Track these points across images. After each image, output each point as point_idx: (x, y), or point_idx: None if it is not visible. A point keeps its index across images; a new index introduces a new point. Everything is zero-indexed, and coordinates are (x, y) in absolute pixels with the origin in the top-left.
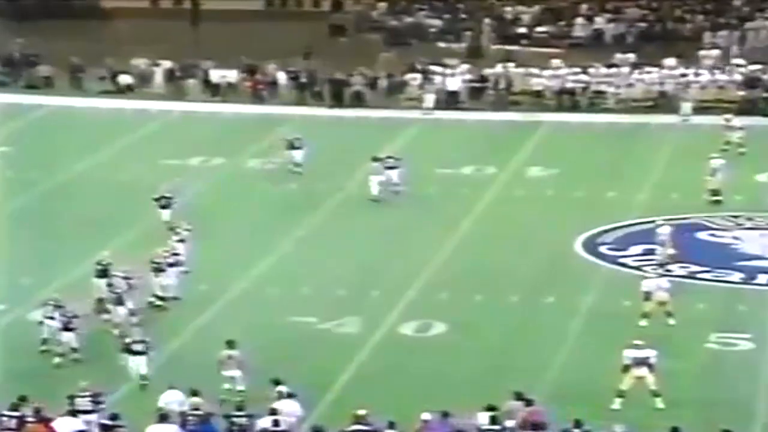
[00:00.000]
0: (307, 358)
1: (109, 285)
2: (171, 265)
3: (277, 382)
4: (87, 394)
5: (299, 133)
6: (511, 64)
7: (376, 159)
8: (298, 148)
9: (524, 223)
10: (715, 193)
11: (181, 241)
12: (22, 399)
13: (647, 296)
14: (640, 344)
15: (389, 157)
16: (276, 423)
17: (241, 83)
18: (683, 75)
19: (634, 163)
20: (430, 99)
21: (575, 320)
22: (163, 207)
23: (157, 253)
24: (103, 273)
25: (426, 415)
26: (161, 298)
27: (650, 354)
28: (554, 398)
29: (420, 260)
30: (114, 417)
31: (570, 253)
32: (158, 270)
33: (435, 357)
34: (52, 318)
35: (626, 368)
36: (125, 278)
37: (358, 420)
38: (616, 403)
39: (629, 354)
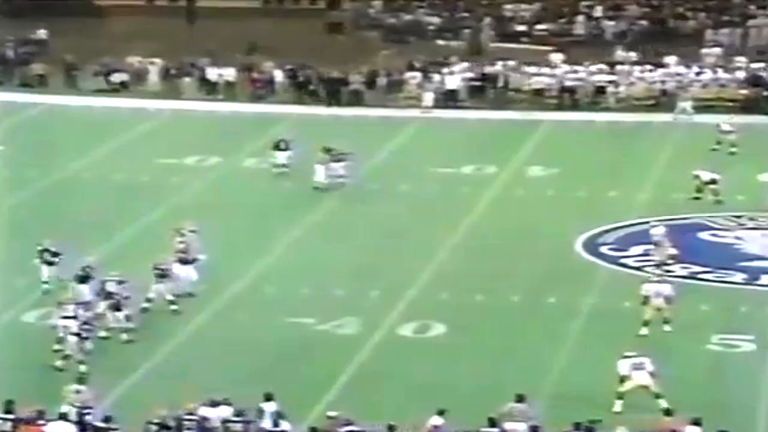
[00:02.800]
0: (305, 359)
1: (100, 291)
2: (187, 262)
3: (269, 398)
4: (78, 405)
5: (294, 132)
6: (511, 62)
7: (328, 150)
8: (284, 149)
9: (525, 222)
10: (700, 188)
11: (183, 242)
12: (10, 402)
13: (645, 300)
14: (632, 354)
15: (338, 152)
16: (276, 423)
17: (241, 80)
18: (678, 74)
19: (636, 162)
20: (428, 98)
21: (576, 321)
22: (47, 263)
23: (161, 260)
24: (85, 279)
25: (436, 420)
26: (173, 302)
27: (644, 361)
28: (555, 399)
29: (419, 260)
30: (107, 419)
31: (571, 253)
32: (162, 276)
33: (434, 358)
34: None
35: (623, 378)
36: (119, 282)
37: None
38: (617, 406)
39: (624, 363)
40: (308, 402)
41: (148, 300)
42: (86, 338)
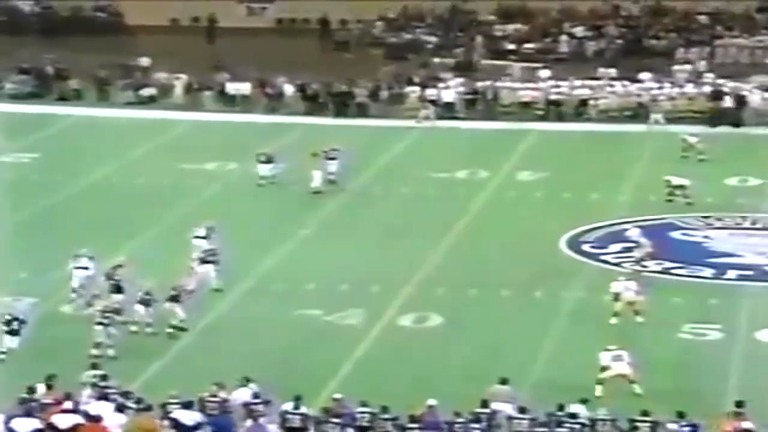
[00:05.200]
0: (313, 347)
1: (117, 288)
2: (210, 262)
3: (248, 380)
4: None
5: (304, 141)
6: (500, 81)
7: (314, 155)
8: (266, 162)
9: (515, 223)
10: (672, 193)
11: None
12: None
13: (616, 297)
14: (612, 347)
15: (332, 149)
16: (296, 406)
17: (256, 95)
18: (652, 88)
19: (615, 167)
20: (428, 113)
21: (561, 313)
22: (11, 333)
23: (180, 282)
24: (108, 276)
25: (432, 401)
26: (180, 329)
27: (623, 353)
28: (541, 384)
29: (418, 257)
30: (139, 401)
31: (556, 250)
32: (175, 299)
33: (431, 347)
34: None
35: (604, 368)
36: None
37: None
38: (598, 391)
39: (605, 355)
40: (317, 386)
41: (177, 327)
42: (109, 325)
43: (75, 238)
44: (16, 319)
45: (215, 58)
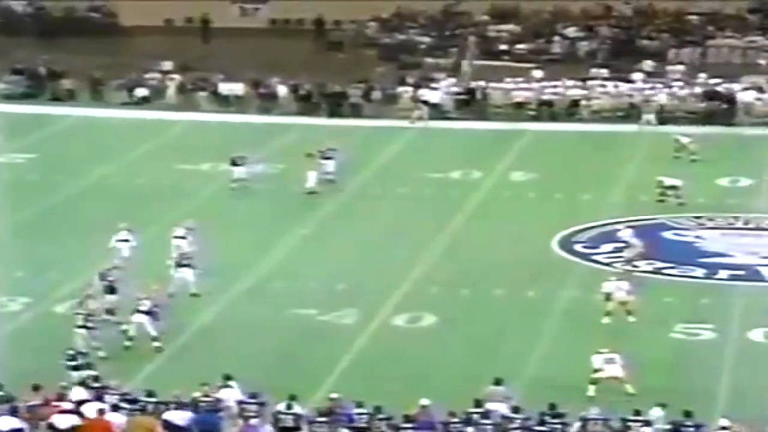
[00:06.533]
0: (308, 346)
1: (111, 289)
2: (186, 266)
3: (229, 378)
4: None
5: (299, 141)
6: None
7: (309, 155)
8: (240, 164)
9: (508, 223)
10: (663, 193)
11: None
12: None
13: (608, 296)
14: (604, 350)
15: (328, 149)
16: (289, 406)
17: (249, 95)
18: (652, 87)
19: (607, 168)
20: (421, 113)
21: (553, 312)
22: (74, 368)
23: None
24: (102, 277)
25: (424, 401)
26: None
27: (615, 356)
28: (534, 384)
29: (412, 257)
30: (150, 394)
31: (548, 250)
32: (148, 313)
33: (425, 346)
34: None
35: (596, 371)
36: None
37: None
38: (591, 390)
39: (597, 358)
40: (311, 385)
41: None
42: (94, 328)
43: (73, 239)
44: (80, 352)
45: (181, 57)
